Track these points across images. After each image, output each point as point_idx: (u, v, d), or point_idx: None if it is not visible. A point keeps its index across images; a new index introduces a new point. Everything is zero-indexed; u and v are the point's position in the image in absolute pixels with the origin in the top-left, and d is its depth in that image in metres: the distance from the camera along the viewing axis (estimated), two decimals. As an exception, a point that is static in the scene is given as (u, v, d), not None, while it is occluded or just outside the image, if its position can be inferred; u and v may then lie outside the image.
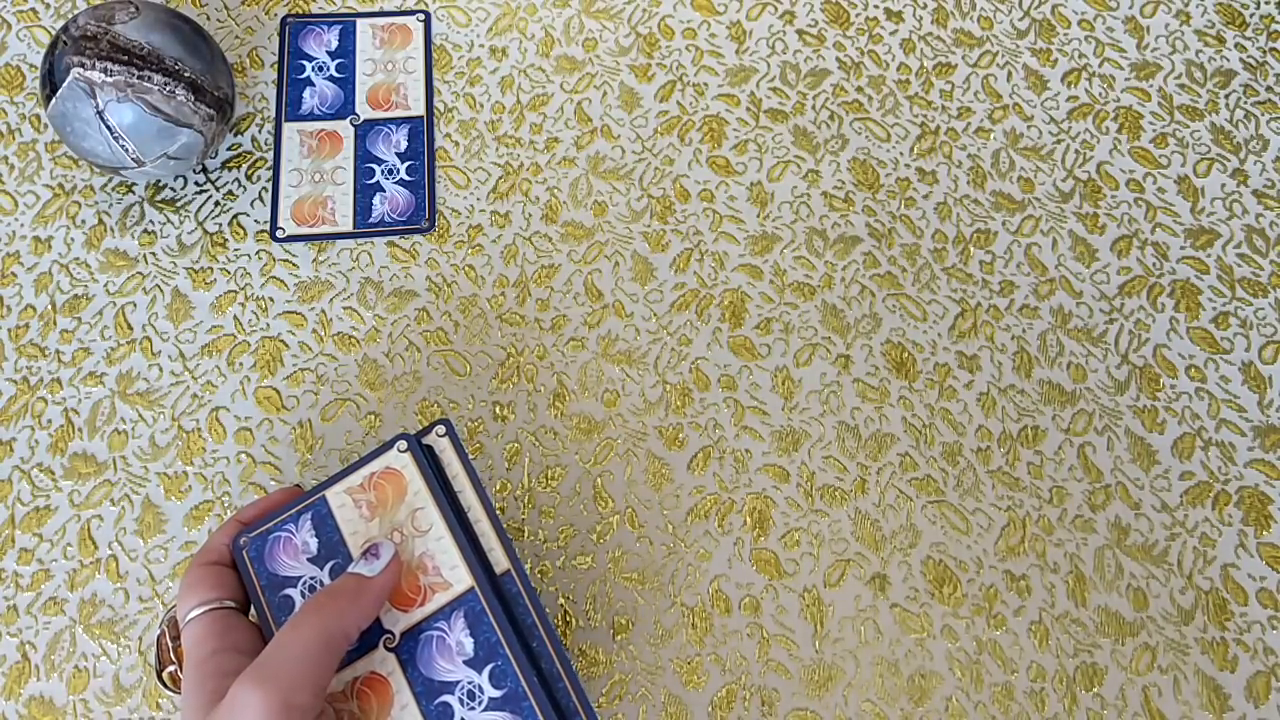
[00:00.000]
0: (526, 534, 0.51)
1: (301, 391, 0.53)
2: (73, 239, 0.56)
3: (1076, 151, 0.60)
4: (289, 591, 0.40)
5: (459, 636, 0.38)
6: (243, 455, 0.52)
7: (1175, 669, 0.49)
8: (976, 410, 0.54)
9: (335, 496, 0.41)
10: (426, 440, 0.42)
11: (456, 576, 0.39)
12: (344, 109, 0.59)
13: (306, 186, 0.57)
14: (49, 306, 0.54)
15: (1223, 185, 0.60)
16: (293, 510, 0.41)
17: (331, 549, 0.40)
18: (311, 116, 0.59)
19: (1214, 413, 0.54)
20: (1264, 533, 0.52)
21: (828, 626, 0.50)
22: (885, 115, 0.61)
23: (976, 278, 0.57)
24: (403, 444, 0.41)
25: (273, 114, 0.59)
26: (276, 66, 0.60)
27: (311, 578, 0.40)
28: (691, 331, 0.55)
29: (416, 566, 0.40)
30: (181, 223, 0.56)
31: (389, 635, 0.38)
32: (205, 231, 0.56)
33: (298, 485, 0.49)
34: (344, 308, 0.55)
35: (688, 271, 0.57)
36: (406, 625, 0.39)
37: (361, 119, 0.59)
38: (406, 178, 0.58)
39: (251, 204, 0.57)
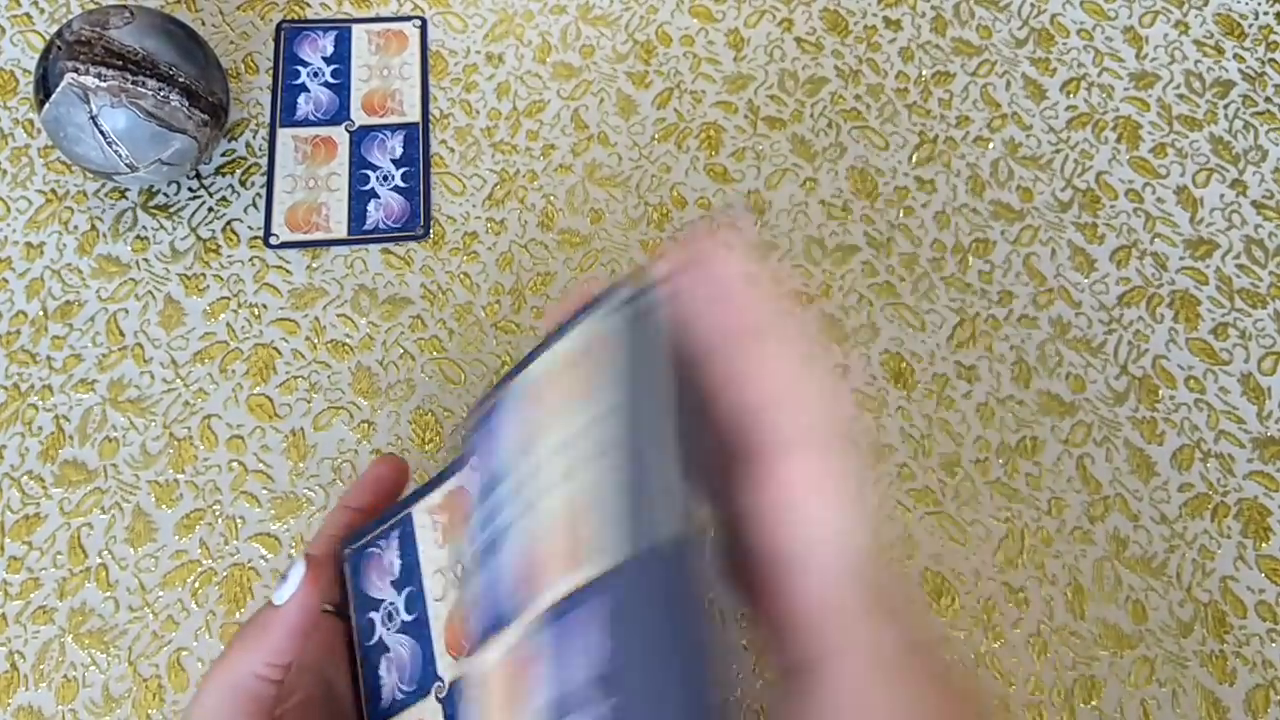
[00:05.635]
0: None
1: (294, 399, 0.53)
2: (65, 244, 0.55)
3: (1075, 161, 0.60)
4: (372, 615, 0.36)
5: None
6: (234, 463, 0.51)
7: (1174, 682, 0.49)
8: (975, 421, 0.54)
9: (418, 515, 0.36)
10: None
11: None
12: (339, 115, 0.59)
13: (301, 193, 0.57)
14: (40, 312, 0.54)
15: (1221, 196, 0.60)
16: (388, 523, 0.37)
17: (409, 574, 0.35)
18: (306, 122, 0.59)
19: (1213, 424, 0.54)
20: (1263, 545, 0.52)
21: (824, 638, 0.49)
22: (884, 124, 0.61)
23: (975, 287, 0.57)
24: (476, 460, 0.34)
25: (267, 119, 0.59)
26: (271, 72, 0.60)
27: (391, 603, 0.35)
28: (688, 340, 0.55)
29: (464, 611, 0.33)
30: (175, 229, 0.56)
31: (440, 683, 0.33)
32: (198, 237, 0.56)
33: (393, 455, 0.42)
34: (338, 315, 0.55)
35: (684, 280, 0.56)
36: (455, 675, 0.33)
37: (356, 125, 0.59)
38: (402, 184, 0.57)
39: (245, 210, 0.57)
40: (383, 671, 0.35)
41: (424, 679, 0.34)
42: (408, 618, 0.35)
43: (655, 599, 0.22)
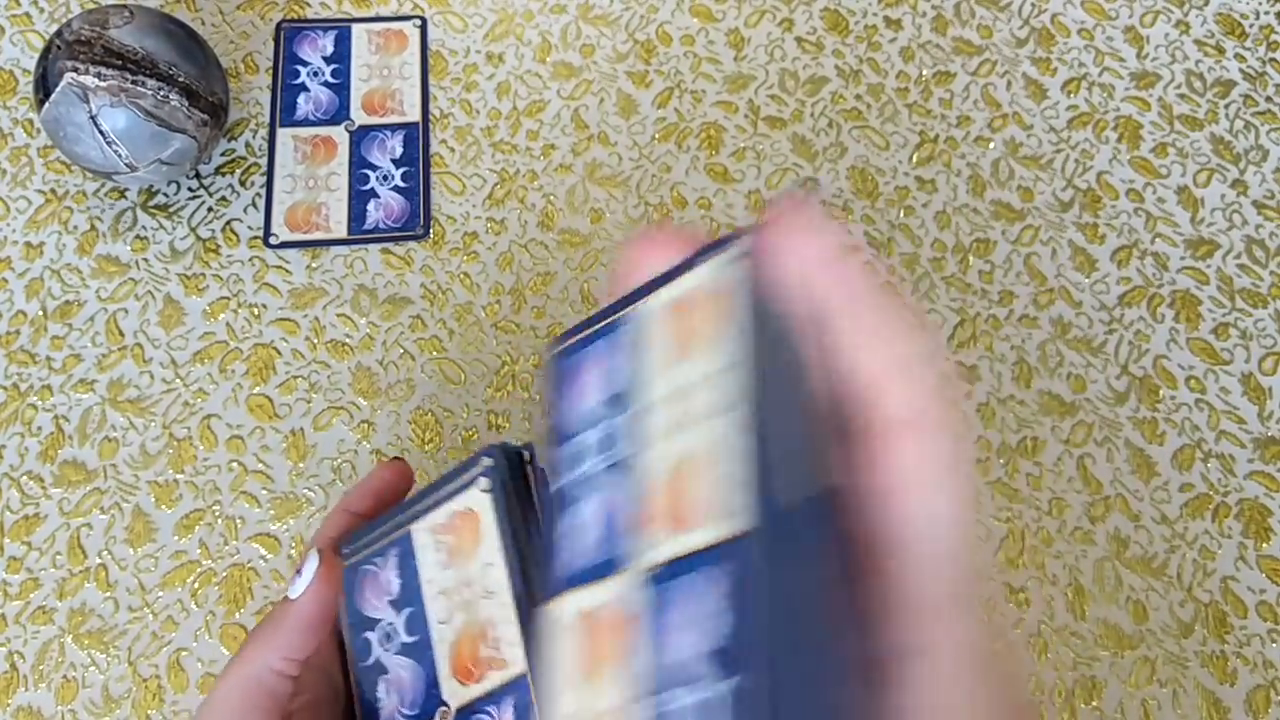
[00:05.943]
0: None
1: (294, 399, 0.53)
2: (64, 244, 0.55)
3: (1076, 161, 0.60)
4: (369, 635, 0.35)
5: None
6: (234, 463, 0.51)
7: (1174, 682, 0.49)
8: (975, 421, 0.54)
9: (419, 534, 0.35)
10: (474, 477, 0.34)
11: (513, 656, 0.31)
12: (339, 114, 0.59)
13: (300, 192, 0.57)
14: (40, 312, 0.54)
15: (1222, 196, 0.60)
16: (385, 539, 0.35)
17: (410, 594, 0.34)
18: (306, 122, 0.59)
19: (1214, 424, 0.54)
20: (1264, 545, 0.52)
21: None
22: (884, 123, 0.61)
23: (975, 287, 0.57)
24: (484, 482, 0.33)
25: (267, 119, 0.59)
26: (271, 72, 0.60)
27: (389, 624, 0.34)
28: (688, 340, 0.55)
29: (478, 635, 0.32)
30: (174, 228, 0.56)
31: (445, 709, 0.33)
32: (198, 237, 0.56)
33: (400, 458, 0.41)
34: (337, 315, 0.55)
35: (685, 280, 0.56)
36: (463, 701, 0.32)
37: (356, 125, 0.59)
38: (401, 184, 0.57)
39: (245, 210, 0.57)
40: (381, 693, 0.35)
41: (427, 703, 0.33)
42: (408, 639, 0.34)
43: (787, 571, 0.19)
